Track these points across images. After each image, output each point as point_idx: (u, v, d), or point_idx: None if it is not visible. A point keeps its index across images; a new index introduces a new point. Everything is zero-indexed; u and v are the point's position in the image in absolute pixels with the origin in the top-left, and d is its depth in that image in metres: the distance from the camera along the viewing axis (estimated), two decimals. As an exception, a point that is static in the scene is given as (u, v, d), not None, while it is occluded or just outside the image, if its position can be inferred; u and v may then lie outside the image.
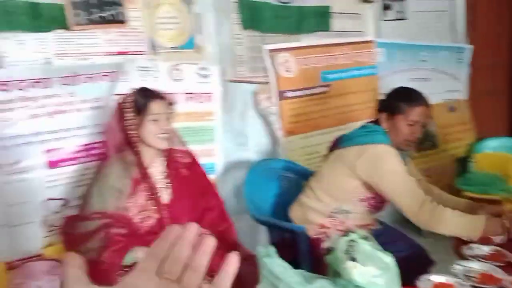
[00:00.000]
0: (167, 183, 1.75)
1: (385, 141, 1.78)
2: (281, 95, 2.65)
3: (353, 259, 1.46)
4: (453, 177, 3.24)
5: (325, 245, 1.77)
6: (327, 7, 2.81)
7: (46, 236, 1.97)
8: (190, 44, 2.33)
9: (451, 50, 3.49)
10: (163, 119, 1.68)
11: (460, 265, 1.49)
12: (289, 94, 2.68)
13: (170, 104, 1.77)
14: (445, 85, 3.48)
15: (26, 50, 1.90)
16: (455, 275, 1.43)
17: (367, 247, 1.47)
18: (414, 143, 1.84)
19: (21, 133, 1.87)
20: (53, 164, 1.97)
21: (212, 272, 1.58)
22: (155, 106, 1.67)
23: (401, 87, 1.93)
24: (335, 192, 1.88)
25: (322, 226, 1.89)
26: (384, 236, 1.87)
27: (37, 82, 1.89)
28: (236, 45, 2.50)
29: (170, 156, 1.77)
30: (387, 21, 3.19)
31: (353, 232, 1.59)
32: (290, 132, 2.69)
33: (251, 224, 2.51)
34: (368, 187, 1.82)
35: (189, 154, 1.87)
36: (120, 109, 1.68)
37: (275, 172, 2.29)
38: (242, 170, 2.55)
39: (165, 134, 1.69)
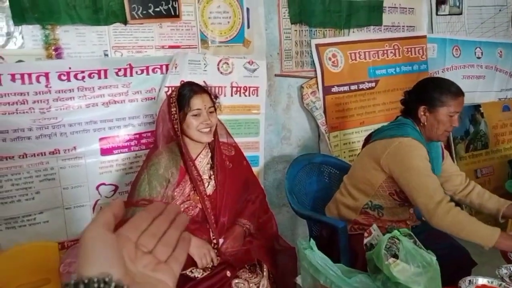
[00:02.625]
0: (211, 174, 1.80)
1: (412, 134, 1.77)
2: (327, 90, 2.64)
3: (395, 256, 1.46)
4: (503, 179, 3.13)
5: (366, 241, 1.77)
6: (379, 2, 2.75)
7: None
8: (239, 38, 2.36)
9: (508, 47, 3.33)
10: (205, 114, 1.72)
11: (506, 268, 1.45)
12: (335, 89, 2.67)
13: (214, 98, 1.82)
14: (500, 83, 3.34)
15: (86, 42, 1.99)
16: (499, 278, 1.40)
17: (409, 245, 1.47)
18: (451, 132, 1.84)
19: (78, 121, 1.99)
20: (106, 151, 2.08)
21: (251, 261, 1.62)
22: (196, 101, 1.71)
23: (434, 78, 1.96)
24: (365, 187, 1.87)
25: (356, 223, 1.90)
26: (424, 233, 1.86)
27: (94, 73, 1.99)
28: (284, 39, 2.50)
29: (215, 148, 1.82)
30: (441, 16, 3.08)
31: (395, 229, 1.59)
32: (334, 128, 2.69)
33: (291, 217, 2.56)
34: (395, 180, 1.80)
35: (234, 146, 1.91)
36: (168, 102, 1.75)
37: (318, 166, 2.30)
38: (285, 164, 2.59)
39: (207, 128, 1.73)
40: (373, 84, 2.81)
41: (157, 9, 2.08)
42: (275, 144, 2.60)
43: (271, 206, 2.06)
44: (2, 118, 1.84)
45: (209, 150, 1.83)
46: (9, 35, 1.85)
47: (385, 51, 2.84)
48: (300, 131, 2.65)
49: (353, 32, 2.72)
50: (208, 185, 1.78)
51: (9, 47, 1.85)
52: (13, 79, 1.83)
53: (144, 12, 2.06)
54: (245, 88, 2.39)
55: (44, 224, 2.00)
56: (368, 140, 2.00)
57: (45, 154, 1.95)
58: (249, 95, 2.41)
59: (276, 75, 2.51)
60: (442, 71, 3.08)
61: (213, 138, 1.78)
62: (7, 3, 1.80)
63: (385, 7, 2.80)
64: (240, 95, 2.39)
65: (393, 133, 1.81)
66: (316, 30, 2.59)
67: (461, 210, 1.67)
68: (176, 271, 0.54)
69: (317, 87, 2.60)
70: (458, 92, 1.78)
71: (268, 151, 2.55)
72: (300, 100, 2.60)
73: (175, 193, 1.72)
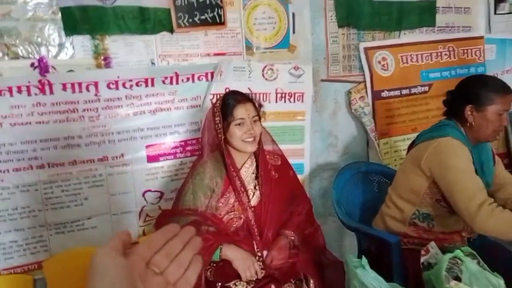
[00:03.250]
0: (256, 185, 1.76)
1: (451, 134, 1.68)
2: (377, 95, 2.54)
3: (457, 278, 1.36)
4: None
5: (423, 259, 1.67)
6: (432, 2, 2.61)
7: (141, 226, 2.12)
8: (284, 44, 2.31)
9: None
10: (248, 123, 1.69)
11: None
12: (385, 93, 2.56)
13: (258, 106, 1.78)
14: None
15: (133, 51, 2.02)
16: None
17: (473, 266, 1.36)
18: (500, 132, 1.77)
19: (125, 129, 2.02)
20: (152, 159, 2.10)
21: (297, 276, 1.56)
22: (240, 110, 1.68)
23: (479, 76, 1.88)
24: (410, 195, 1.77)
25: (406, 236, 1.79)
26: (482, 248, 1.73)
27: (142, 81, 2.01)
28: (331, 43, 2.43)
29: (261, 157, 1.78)
30: (500, 15, 2.88)
31: (457, 248, 1.48)
32: (384, 134, 2.58)
33: (338, 227, 2.47)
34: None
35: (280, 155, 1.86)
36: (212, 112, 1.73)
37: (366, 175, 2.21)
38: (331, 172, 2.51)
39: (250, 137, 1.69)
40: (426, 88, 2.67)
41: (203, 17, 2.08)
42: (321, 151, 2.52)
43: (316, 216, 1.99)
44: (53, 126, 1.90)
45: (254, 160, 1.79)
46: (60, 45, 1.91)
47: (439, 54, 2.69)
48: (348, 138, 2.56)
49: (404, 34, 2.60)
50: (253, 196, 1.74)
51: (60, 57, 1.91)
52: (64, 88, 1.88)
53: (190, 20, 2.06)
54: (290, 94, 2.34)
55: (92, 229, 2.04)
56: (411, 147, 1.90)
57: (93, 161, 1.99)
58: (294, 101, 2.36)
59: (322, 80, 2.44)
60: (502, 74, 2.87)
61: (257, 147, 1.74)
62: (59, 16, 1.85)
63: (439, 7, 2.65)
64: (285, 101, 2.34)
65: (432, 135, 1.73)
66: (364, 33, 2.50)
67: (505, 209, 1.53)
68: None
69: (366, 92, 2.50)
70: (506, 89, 1.69)
71: (313, 159, 2.48)
72: (347, 105, 2.52)
73: (220, 204, 1.69)
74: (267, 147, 1.82)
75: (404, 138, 2.64)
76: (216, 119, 1.68)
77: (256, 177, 1.77)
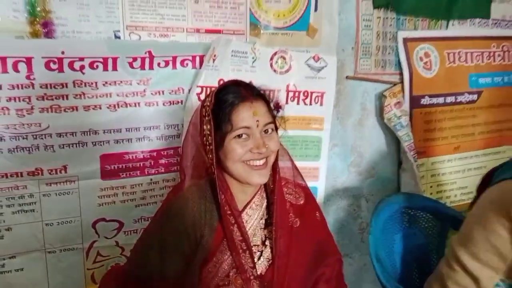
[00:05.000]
0: (266, 238, 1.12)
1: None
2: (416, 102, 1.96)
3: None
4: None
5: None
6: (490, -14, 2.04)
7: (90, 269, 1.56)
8: (302, 25, 1.71)
9: None
10: (257, 135, 1.05)
11: None
12: (426, 100, 1.98)
13: (274, 108, 1.15)
14: None
15: (90, 17, 1.40)
16: None
17: None
18: None
19: (71, 130, 1.41)
20: (109, 174, 1.49)
21: None
22: (244, 114, 1.04)
23: None
24: (490, 256, 1.18)
25: None
26: None
27: (99, 61, 1.40)
28: (363, 28, 1.83)
29: (277, 193, 1.13)
30: None
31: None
32: (420, 153, 2.00)
33: (354, 271, 1.90)
34: None
35: (303, 190, 1.22)
36: (200, 114, 1.09)
37: (407, 212, 1.60)
38: (351, 199, 1.94)
39: (260, 159, 1.06)
40: (475, 97, 2.10)
41: (193, -24, 1.46)
42: (340, 171, 1.93)
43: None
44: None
45: (264, 197, 1.15)
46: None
47: (491, 53, 2.12)
48: (375, 156, 1.97)
49: (453, 25, 2.02)
50: (259, 258, 1.09)
51: (-23, 18, 1.28)
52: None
53: (174, -22, 1.44)
54: (305, 94, 1.74)
55: (17, 273, 1.45)
56: (487, 181, 1.31)
57: (21, 175, 1.39)
58: (310, 104, 1.76)
59: (348, 78, 1.85)
60: None
61: (269, 178, 1.11)
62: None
63: (496, -6, 2.09)
64: (298, 103, 1.74)
65: None
66: (405, 20, 1.91)
67: None
68: None
69: (403, 96, 1.92)
70: None
71: (330, 181, 1.89)
72: (378, 113, 1.92)
73: (206, 270, 1.05)
74: (285, 175, 1.20)
75: (444, 160, 2.07)
76: (205, 126, 1.05)
77: (266, 226, 1.12)
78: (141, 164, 1.53)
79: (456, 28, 2.04)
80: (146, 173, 1.54)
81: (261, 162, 1.06)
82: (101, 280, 1.21)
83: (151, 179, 1.55)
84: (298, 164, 1.33)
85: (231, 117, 1.03)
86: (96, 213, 1.50)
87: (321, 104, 1.78)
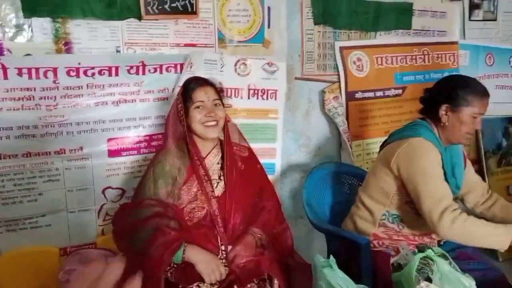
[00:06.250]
0: (221, 175, 1.68)
1: (424, 135, 1.64)
2: (351, 96, 2.49)
3: (428, 279, 1.31)
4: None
5: (393, 260, 1.62)
6: (409, 4, 2.59)
7: (100, 225, 2.00)
8: (258, 38, 2.23)
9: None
10: (208, 106, 1.63)
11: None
12: (359, 95, 2.52)
13: (219, 91, 1.73)
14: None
15: (98, 37, 1.90)
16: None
17: (445, 267, 1.31)
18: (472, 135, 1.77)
19: (85, 120, 1.89)
20: (114, 153, 1.97)
21: (261, 275, 1.47)
22: (199, 94, 1.63)
23: (459, 76, 1.81)
24: (379, 196, 1.73)
25: (376, 237, 1.74)
26: (454, 252, 1.71)
27: (105, 69, 1.89)
28: (307, 40, 2.37)
29: (226, 146, 1.70)
30: (475, 21, 2.90)
31: (428, 248, 1.44)
32: (357, 136, 2.53)
33: (308, 230, 2.41)
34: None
35: (247, 148, 1.78)
36: (175, 99, 1.67)
37: (338, 177, 2.14)
38: (302, 173, 2.44)
39: (211, 121, 1.62)
40: (400, 91, 2.64)
41: (173, 5, 1.98)
42: (293, 151, 2.45)
43: (286, 218, 1.90)
44: (7, 114, 1.76)
45: (220, 150, 1.71)
46: (18, 27, 1.78)
47: (413, 57, 2.67)
48: (320, 139, 2.50)
49: (380, 35, 2.57)
50: (217, 186, 1.65)
51: (17, 40, 1.78)
52: (20, 73, 1.76)
53: (160, 7, 1.96)
54: (263, 91, 2.26)
55: (47, 227, 1.91)
56: (382, 146, 1.86)
57: (50, 154, 1.86)
58: (267, 99, 2.28)
59: (296, 78, 2.38)
60: (474, 80, 2.89)
61: (221, 134, 1.67)
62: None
63: (415, 10, 2.63)
64: (257, 98, 2.26)
65: (404, 134, 1.69)
66: (340, 32, 2.45)
67: (468, 216, 1.53)
68: None
69: (340, 92, 2.45)
70: (484, 93, 1.66)
71: (285, 159, 2.40)
72: (321, 105, 2.46)
73: (182, 192, 1.60)
74: (234, 140, 1.74)
75: (377, 141, 2.59)
76: (179, 105, 1.62)
77: (222, 168, 1.68)
78: (138, 146, 2.02)
79: (383, 38, 2.58)
80: (142, 152, 2.03)
81: (213, 123, 1.62)
82: (114, 215, 1.72)
83: (145, 157, 2.03)
84: (259, 145, 1.90)
85: (191, 95, 1.62)
86: (105, 183, 1.97)
87: (275, 99, 2.29)
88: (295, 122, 2.42)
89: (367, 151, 2.59)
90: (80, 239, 1.96)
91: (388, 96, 2.61)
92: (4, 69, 1.72)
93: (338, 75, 2.46)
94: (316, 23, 2.36)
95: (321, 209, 1.99)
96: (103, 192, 1.99)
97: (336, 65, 2.45)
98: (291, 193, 2.47)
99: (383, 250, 1.72)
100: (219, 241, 1.60)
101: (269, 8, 2.23)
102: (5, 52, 1.75)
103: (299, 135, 2.45)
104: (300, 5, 2.31)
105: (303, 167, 2.46)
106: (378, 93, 2.58)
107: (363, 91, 2.52)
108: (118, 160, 1.99)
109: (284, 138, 2.37)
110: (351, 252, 1.76)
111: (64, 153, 1.88)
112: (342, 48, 2.45)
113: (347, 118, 2.46)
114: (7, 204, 1.82)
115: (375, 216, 1.74)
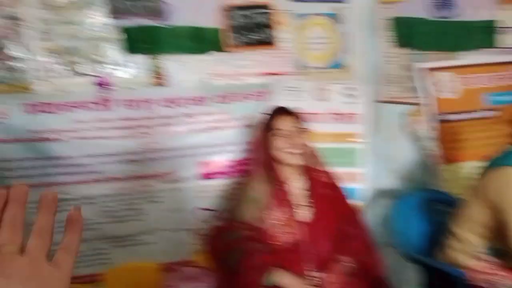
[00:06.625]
0: (308, 201, 1.70)
1: None
2: (440, 118, 2.41)
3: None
4: None
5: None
6: (492, 22, 2.50)
7: (195, 244, 2.08)
8: (337, 64, 2.29)
9: None
10: (290, 134, 1.70)
11: None
12: (449, 117, 2.42)
13: (300, 118, 1.78)
14: None
15: (187, 70, 2.08)
16: None
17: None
18: None
19: (179, 146, 2.04)
20: (205, 176, 2.09)
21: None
22: (281, 122, 1.72)
23: None
24: (474, 225, 1.59)
25: (471, 270, 1.60)
26: None
27: (195, 100, 2.06)
28: (387, 63, 2.37)
29: (310, 174, 1.75)
30: None
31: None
32: (448, 160, 2.41)
33: (395, 258, 2.28)
34: None
35: (329, 174, 1.81)
36: (259, 128, 1.77)
37: (429, 204, 2.04)
38: (388, 198, 2.36)
39: (294, 149, 1.68)
40: (493, 113, 2.50)
41: (255, 37, 2.13)
42: (379, 176, 2.40)
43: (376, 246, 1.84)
44: (113, 142, 1.96)
45: (303, 176, 1.77)
46: (121, 64, 2.00)
47: (501, 76, 2.52)
48: (407, 163, 2.42)
49: (463, 55, 2.49)
50: (302, 211, 1.70)
51: (121, 76, 2.00)
52: (123, 105, 1.97)
53: (243, 40, 2.11)
54: (343, 115, 2.28)
55: (147, 245, 2.02)
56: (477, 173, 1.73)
57: (150, 177, 2.01)
58: (347, 123, 2.29)
59: (378, 101, 2.37)
60: None
61: (303, 162, 1.72)
62: (121, 36, 1.96)
63: (502, 27, 2.52)
64: (338, 123, 2.28)
65: (498, 163, 1.55)
66: (422, 54, 2.42)
67: None
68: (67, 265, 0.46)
69: (425, 114, 2.39)
70: None
71: (370, 184, 2.35)
72: (405, 128, 2.40)
73: (269, 219, 1.65)
74: (315, 165, 1.80)
75: (468, 165, 2.45)
76: (261, 133, 1.74)
77: (305, 193, 1.74)
78: (227, 170, 2.11)
79: (468, 57, 2.48)
80: (230, 176, 2.11)
81: (294, 150, 1.67)
82: (206, 238, 1.80)
83: (234, 180, 2.08)
84: (339, 169, 1.89)
85: (273, 124, 1.72)
86: (198, 204, 2.06)
87: (355, 123, 2.29)
88: (379, 146, 2.38)
89: (457, 175, 2.44)
90: (177, 257, 2.05)
91: (479, 119, 2.48)
92: (111, 102, 1.94)
93: (422, 97, 2.40)
94: (396, 46, 2.37)
95: (412, 238, 1.89)
96: (196, 212, 2.08)
97: (419, 86, 2.41)
98: (378, 220, 2.38)
99: (479, 285, 1.58)
100: (307, 267, 1.60)
101: (347, 33, 2.29)
102: (111, 87, 1.97)
103: (384, 159, 2.40)
104: (380, 29, 2.35)
105: (389, 193, 2.38)
106: (467, 115, 2.46)
107: (453, 113, 2.43)
108: (209, 182, 2.10)
109: (368, 162, 2.33)
110: (445, 285, 1.64)
111: (163, 176, 2.03)
112: (424, 70, 2.41)
113: (436, 142, 2.36)
114: (116, 223, 1.98)
115: (470, 247, 1.61)
